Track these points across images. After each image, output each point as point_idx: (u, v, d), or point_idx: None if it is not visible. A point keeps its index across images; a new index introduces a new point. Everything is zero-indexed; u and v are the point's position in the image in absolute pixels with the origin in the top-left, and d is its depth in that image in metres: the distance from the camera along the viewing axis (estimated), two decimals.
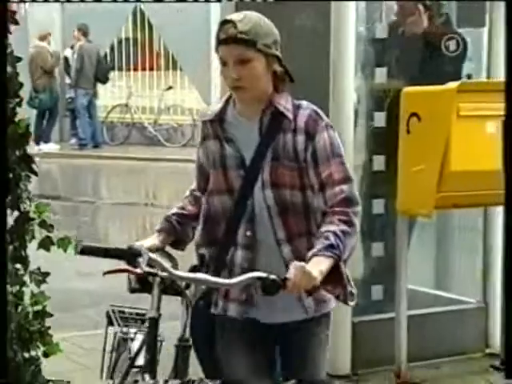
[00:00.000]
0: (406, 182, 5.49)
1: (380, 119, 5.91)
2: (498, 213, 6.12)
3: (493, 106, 5.31)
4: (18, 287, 3.29)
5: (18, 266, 3.33)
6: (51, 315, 4.07)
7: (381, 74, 5.91)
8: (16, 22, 3.74)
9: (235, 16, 3.44)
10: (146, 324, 3.34)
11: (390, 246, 5.83)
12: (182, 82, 19.73)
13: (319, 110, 3.54)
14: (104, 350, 3.91)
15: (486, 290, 6.30)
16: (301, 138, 3.47)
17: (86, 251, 3.27)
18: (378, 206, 5.92)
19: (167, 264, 3.36)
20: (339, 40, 5.62)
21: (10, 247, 3.31)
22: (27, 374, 3.40)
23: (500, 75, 6.02)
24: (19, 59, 3.42)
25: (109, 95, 19.85)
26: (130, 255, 3.24)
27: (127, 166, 17.37)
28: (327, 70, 5.63)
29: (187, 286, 3.40)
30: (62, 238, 3.43)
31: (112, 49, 19.88)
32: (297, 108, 3.52)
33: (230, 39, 3.38)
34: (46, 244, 3.43)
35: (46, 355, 3.87)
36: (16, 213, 3.41)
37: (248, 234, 3.48)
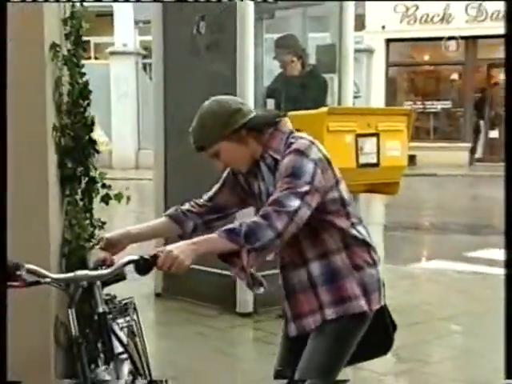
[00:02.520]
0: None
1: None
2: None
3: (349, 125, 5.65)
4: (90, 231, 3.42)
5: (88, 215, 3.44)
6: None
7: (270, 103, 6.15)
8: None
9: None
10: (96, 318, 2.67)
11: None
12: None
13: (299, 141, 2.61)
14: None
15: None
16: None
17: None
18: None
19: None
20: (243, 82, 5.77)
21: (81, 203, 3.46)
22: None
23: (348, 104, 6.50)
24: (84, 74, 3.53)
25: None
26: (10, 269, 2.46)
27: None
28: None
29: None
30: (117, 194, 3.49)
31: None
32: (289, 145, 2.62)
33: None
34: (105, 198, 3.50)
35: None
36: (86, 178, 3.50)
37: None
